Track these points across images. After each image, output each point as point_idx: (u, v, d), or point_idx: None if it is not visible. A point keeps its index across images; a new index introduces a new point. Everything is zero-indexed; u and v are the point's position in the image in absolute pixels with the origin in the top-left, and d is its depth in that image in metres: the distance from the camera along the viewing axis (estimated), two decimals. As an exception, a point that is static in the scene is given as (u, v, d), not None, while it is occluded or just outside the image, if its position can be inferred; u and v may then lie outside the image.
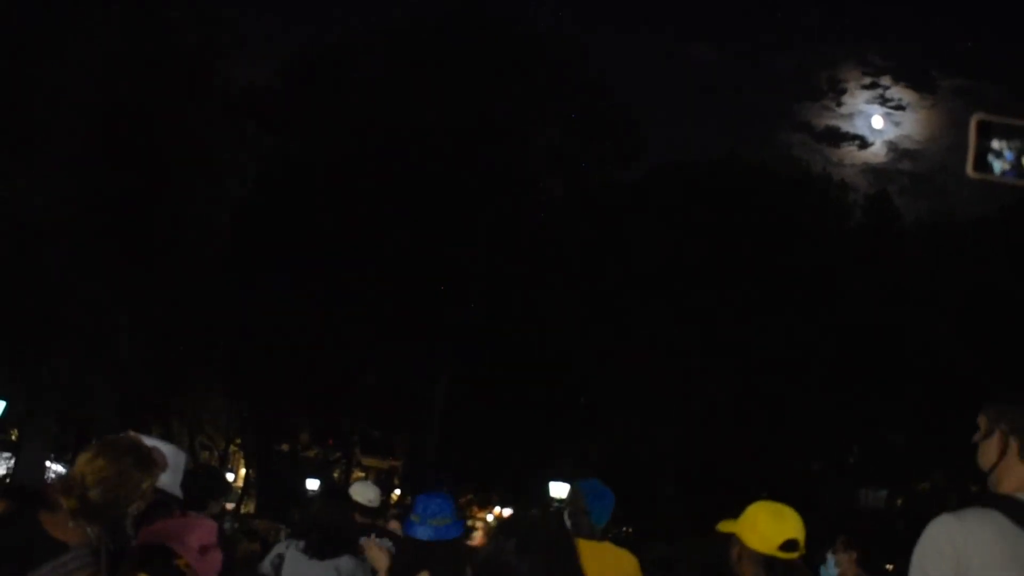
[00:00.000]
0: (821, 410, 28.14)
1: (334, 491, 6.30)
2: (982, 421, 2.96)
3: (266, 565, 5.70)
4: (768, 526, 3.70)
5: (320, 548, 5.68)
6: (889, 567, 19.26)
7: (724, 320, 28.73)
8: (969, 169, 2.35)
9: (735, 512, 3.97)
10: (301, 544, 5.68)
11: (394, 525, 7.03)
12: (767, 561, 3.60)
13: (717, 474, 28.09)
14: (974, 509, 2.83)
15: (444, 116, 28.32)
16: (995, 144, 2.32)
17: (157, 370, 25.59)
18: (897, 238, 31.90)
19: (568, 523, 5.50)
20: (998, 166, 2.32)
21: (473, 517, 40.39)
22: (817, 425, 28.63)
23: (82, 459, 3.00)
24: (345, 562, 5.76)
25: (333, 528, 5.76)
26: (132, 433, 3.24)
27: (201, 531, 3.33)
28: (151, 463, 3.08)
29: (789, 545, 3.60)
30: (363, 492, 6.87)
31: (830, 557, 7.52)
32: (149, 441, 3.79)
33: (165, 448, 3.78)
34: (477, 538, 33.81)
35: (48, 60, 19.50)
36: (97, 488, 2.92)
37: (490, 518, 40.92)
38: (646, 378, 28.43)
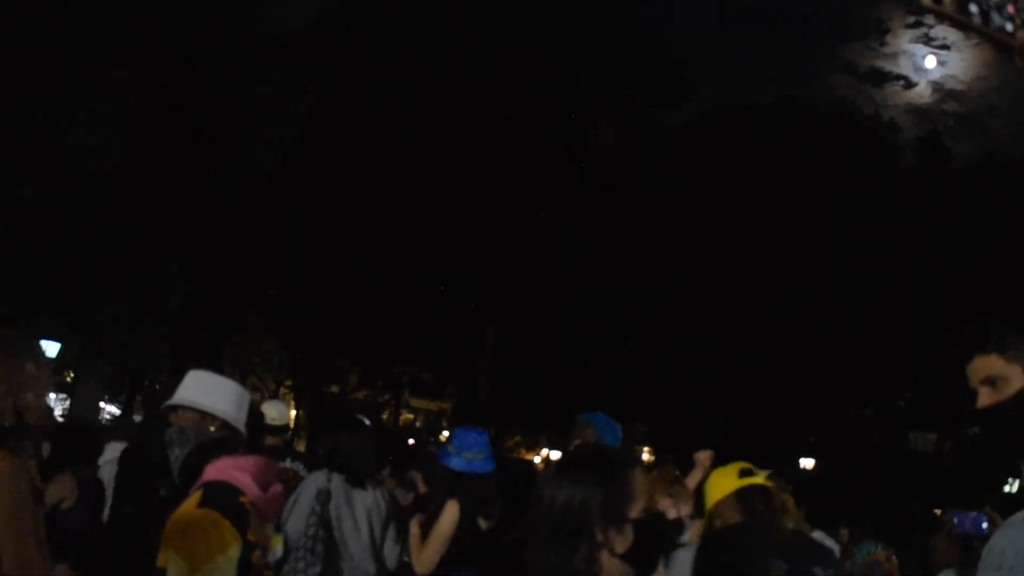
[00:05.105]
0: (872, 354, 27.93)
1: (353, 421, 6.08)
2: (997, 364, 2.35)
3: (310, 502, 5.56)
4: (719, 472, 3.93)
5: (360, 478, 5.68)
6: (937, 512, 19.17)
7: (773, 264, 28.52)
8: None
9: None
10: (339, 477, 5.61)
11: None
12: (736, 494, 3.77)
13: (767, 420, 28.04)
14: None
15: (490, 59, 28.12)
16: None
17: (208, 315, 25.88)
18: (949, 179, 31.39)
19: None
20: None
21: (520, 459, 40.68)
22: (868, 369, 28.43)
23: None
24: (381, 493, 5.82)
25: (363, 457, 5.72)
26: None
27: (265, 470, 3.35)
28: (29, 349, 3.02)
29: (745, 472, 3.71)
30: (270, 410, 6.86)
31: None
32: (219, 377, 3.86)
33: (233, 386, 3.83)
34: (524, 480, 33.92)
35: (91, 9, 19.55)
36: None
37: (537, 460, 41.19)
38: (695, 322, 28.33)
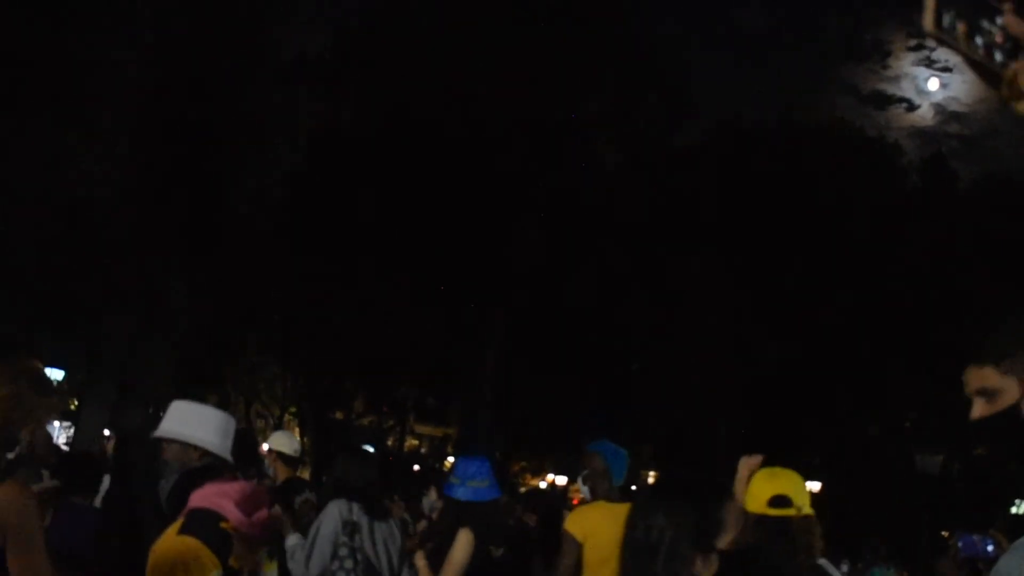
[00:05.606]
0: (877, 374, 27.88)
1: (354, 448, 6.10)
2: (991, 376, 2.22)
3: (334, 534, 5.49)
4: (758, 485, 3.77)
5: (381, 508, 5.72)
6: (944, 533, 19.01)
7: (779, 284, 28.50)
8: (928, 24, 2.02)
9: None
10: (358, 507, 5.60)
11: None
12: (758, 519, 3.65)
13: (772, 440, 27.93)
14: None
15: (494, 79, 28.18)
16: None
17: (212, 339, 25.91)
18: (955, 200, 31.41)
19: (585, 490, 5.46)
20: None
21: (526, 485, 40.58)
22: (873, 389, 28.37)
23: None
24: (395, 522, 5.86)
25: (370, 484, 5.73)
26: (36, 361, 3.00)
27: (250, 496, 3.32)
28: (48, 386, 2.95)
29: (777, 500, 3.63)
30: (286, 443, 6.84)
31: None
32: (201, 407, 3.86)
33: (216, 414, 3.85)
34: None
35: (101, 31, 19.65)
36: None
37: (543, 485, 41.06)
38: (700, 343, 28.30)
